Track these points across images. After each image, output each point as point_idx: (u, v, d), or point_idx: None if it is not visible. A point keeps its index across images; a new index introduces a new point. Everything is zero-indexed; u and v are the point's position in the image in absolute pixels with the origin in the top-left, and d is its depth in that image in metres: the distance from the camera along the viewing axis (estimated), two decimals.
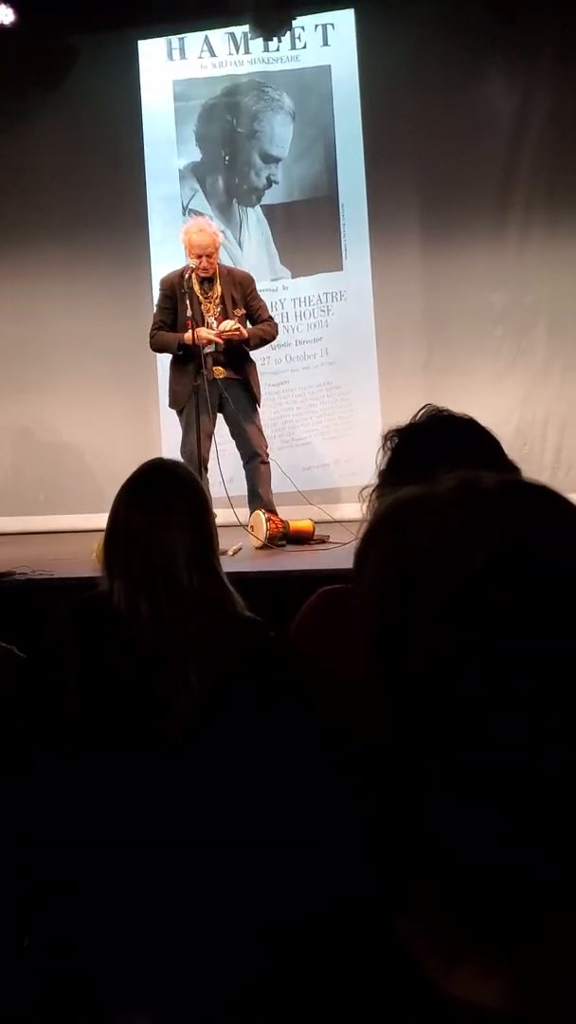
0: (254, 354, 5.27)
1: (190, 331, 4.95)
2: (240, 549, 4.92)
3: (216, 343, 5.04)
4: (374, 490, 1.50)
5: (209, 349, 5.08)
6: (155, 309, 5.31)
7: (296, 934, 0.64)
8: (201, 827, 1.52)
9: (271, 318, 5.28)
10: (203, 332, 4.98)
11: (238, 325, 5.02)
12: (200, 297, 5.10)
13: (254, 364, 5.29)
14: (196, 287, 5.09)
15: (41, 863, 1.63)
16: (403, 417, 1.54)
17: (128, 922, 1.54)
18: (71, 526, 6.19)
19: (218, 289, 5.12)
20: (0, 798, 1.65)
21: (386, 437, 1.49)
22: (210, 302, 5.13)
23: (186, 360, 5.09)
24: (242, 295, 5.17)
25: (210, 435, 5.18)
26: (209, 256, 5.08)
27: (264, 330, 5.19)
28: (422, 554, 0.59)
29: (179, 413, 5.22)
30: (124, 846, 1.54)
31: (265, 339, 5.22)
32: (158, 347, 5.27)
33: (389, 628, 0.59)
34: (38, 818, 1.62)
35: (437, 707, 0.56)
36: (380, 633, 0.60)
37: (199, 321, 5.03)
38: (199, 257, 5.08)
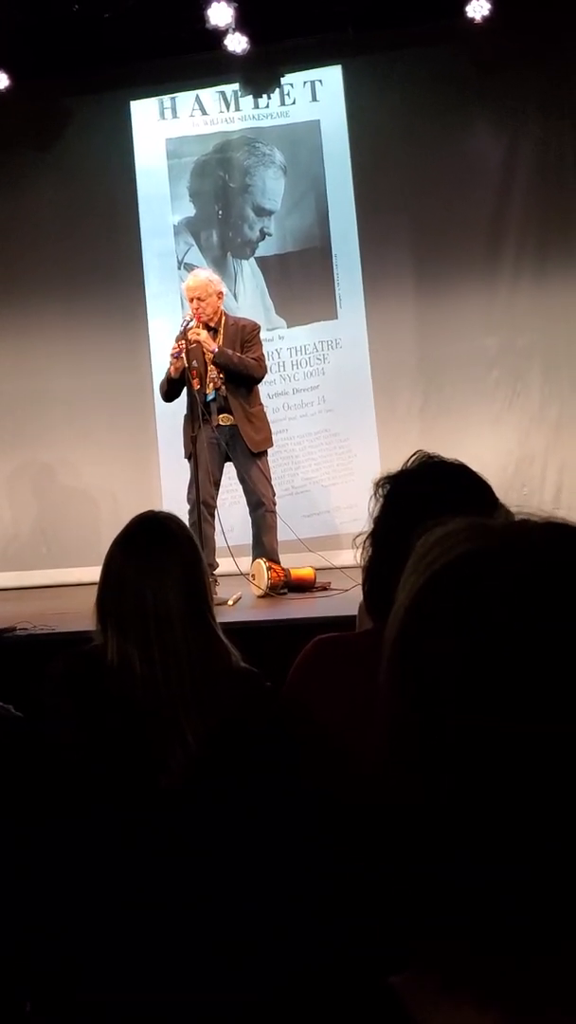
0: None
1: (171, 365, 5.05)
2: (240, 598, 4.90)
3: (216, 385, 5.08)
4: (367, 537, 1.50)
5: (211, 396, 5.12)
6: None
7: (289, 988, 0.63)
8: (196, 881, 1.50)
9: (261, 359, 5.23)
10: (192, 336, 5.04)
11: (207, 336, 5.04)
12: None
13: (261, 409, 5.30)
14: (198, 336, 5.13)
15: (41, 924, 1.61)
16: (402, 462, 1.54)
17: (129, 982, 1.51)
18: (73, 579, 6.18)
19: (220, 339, 5.16)
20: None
21: (377, 484, 1.50)
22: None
23: (192, 408, 5.13)
24: (241, 340, 5.20)
25: (216, 482, 5.20)
26: (201, 299, 5.13)
27: (245, 361, 5.12)
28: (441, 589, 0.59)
29: (189, 460, 5.25)
30: (122, 904, 1.52)
31: (245, 367, 5.10)
32: (160, 390, 5.31)
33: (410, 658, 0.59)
34: (36, 877, 1.60)
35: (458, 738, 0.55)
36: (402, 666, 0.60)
37: (203, 371, 5.07)
38: (191, 300, 5.17)
